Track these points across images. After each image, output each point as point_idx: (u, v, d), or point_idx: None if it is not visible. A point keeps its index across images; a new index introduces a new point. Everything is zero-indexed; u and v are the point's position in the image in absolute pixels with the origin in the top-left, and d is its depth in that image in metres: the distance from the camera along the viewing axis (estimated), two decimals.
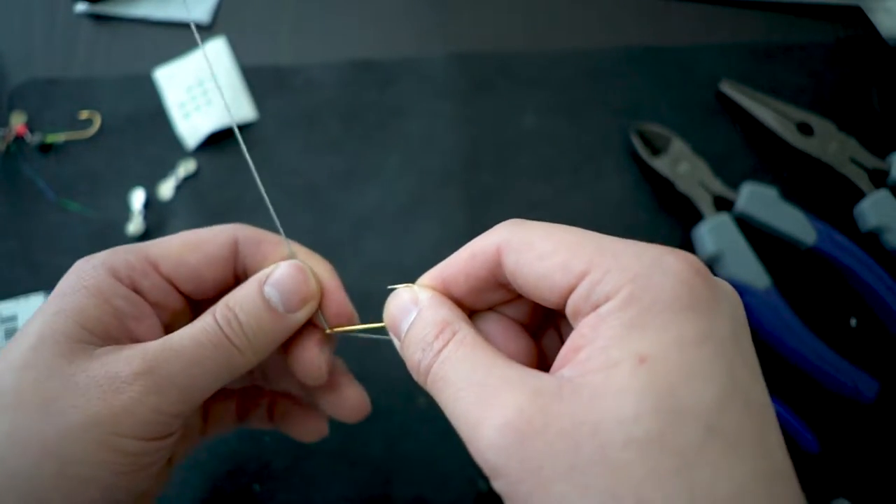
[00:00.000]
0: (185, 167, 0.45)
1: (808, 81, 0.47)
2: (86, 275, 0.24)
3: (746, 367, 0.19)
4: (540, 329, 0.25)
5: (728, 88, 0.46)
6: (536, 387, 0.19)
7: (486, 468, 0.19)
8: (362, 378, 0.41)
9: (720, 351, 0.18)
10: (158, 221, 0.45)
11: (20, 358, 0.22)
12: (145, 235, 0.44)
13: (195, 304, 0.28)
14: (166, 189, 0.45)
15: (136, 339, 0.25)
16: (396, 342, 0.24)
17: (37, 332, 0.23)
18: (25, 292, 0.42)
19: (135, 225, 0.44)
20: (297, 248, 0.28)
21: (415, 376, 0.23)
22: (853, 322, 0.42)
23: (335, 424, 0.40)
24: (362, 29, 0.50)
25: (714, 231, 0.41)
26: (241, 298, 0.25)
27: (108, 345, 0.23)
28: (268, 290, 0.26)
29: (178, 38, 0.50)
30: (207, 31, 0.50)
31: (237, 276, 0.28)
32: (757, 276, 0.40)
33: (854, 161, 0.44)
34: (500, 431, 0.18)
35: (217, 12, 0.50)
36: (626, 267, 0.19)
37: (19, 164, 0.45)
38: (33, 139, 0.46)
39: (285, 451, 0.40)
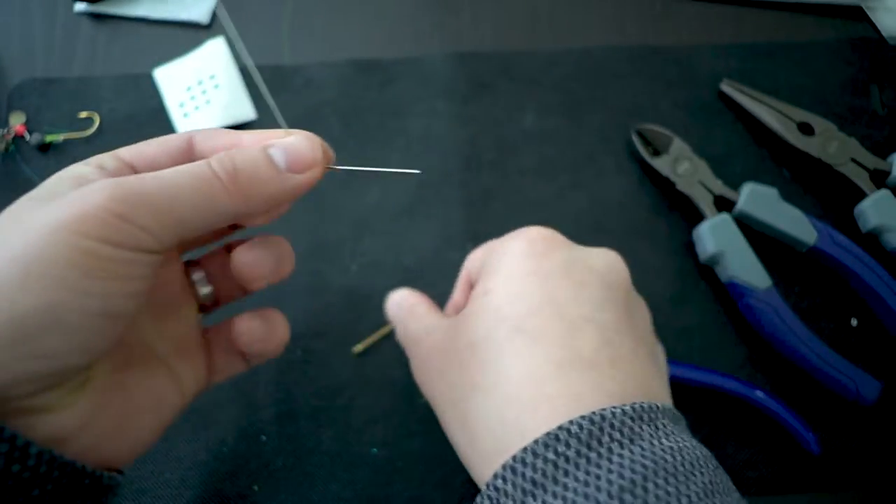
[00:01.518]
0: None
1: (808, 81, 0.47)
2: (59, 173, 0.25)
3: (570, 291, 0.27)
4: None
5: (728, 88, 0.46)
6: (444, 325, 0.30)
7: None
8: (362, 379, 0.41)
9: (542, 281, 0.27)
10: None
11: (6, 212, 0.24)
12: None
13: None
14: None
15: None
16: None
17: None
18: None
19: None
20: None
21: None
22: (854, 322, 0.42)
23: (335, 424, 0.40)
24: (362, 29, 0.50)
25: (714, 231, 0.41)
26: (240, 150, 0.25)
27: None
28: (272, 151, 0.26)
29: (177, 37, 0.50)
30: (207, 30, 0.50)
31: None
32: (758, 276, 0.40)
33: (855, 161, 0.43)
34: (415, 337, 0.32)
35: (217, 12, 0.50)
36: (493, 244, 0.31)
37: (18, 163, 0.45)
38: (32, 139, 0.45)
39: (285, 451, 0.40)
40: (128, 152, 0.27)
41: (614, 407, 0.23)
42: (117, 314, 0.22)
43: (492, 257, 0.30)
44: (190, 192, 0.23)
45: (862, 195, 0.43)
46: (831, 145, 0.44)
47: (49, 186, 0.24)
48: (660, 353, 0.31)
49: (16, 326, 0.20)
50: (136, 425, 0.26)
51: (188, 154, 0.27)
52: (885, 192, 0.42)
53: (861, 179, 0.43)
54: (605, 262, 0.29)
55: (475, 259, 0.32)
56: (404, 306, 0.34)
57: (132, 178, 0.23)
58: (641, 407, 0.23)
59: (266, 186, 0.25)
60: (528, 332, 0.26)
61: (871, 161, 0.43)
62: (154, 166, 0.26)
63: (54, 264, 0.21)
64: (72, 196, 0.22)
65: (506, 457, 0.23)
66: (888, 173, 0.43)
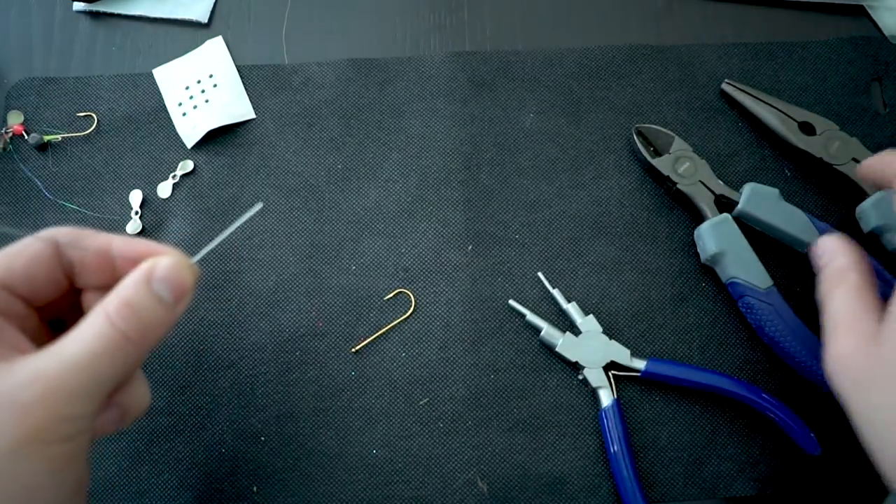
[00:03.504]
0: (184, 166, 0.45)
1: (810, 80, 0.47)
2: None
3: None
4: None
5: (729, 88, 0.46)
6: (867, 331, 0.28)
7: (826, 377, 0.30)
8: (364, 379, 0.41)
9: None
10: (157, 220, 0.44)
11: None
12: (143, 234, 0.44)
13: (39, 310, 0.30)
14: (164, 188, 0.45)
15: (11, 346, 0.26)
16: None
17: None
18: None
19: (133, 224, 0.44)
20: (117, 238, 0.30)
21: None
22: None
23: (335, 424, 0.40)
24: (361, 28, 0.50)
25: (715, 231, 0.41)
26: (135, 297, 0.27)
27: None
28: (157, 286, 0.27)
29: (176, 36, 0.49)
30: (206, 29, 0.50)
31: (67, 276, 0.30)
32: (758, 276, 0.40)
33: (856, 161, 0.43)
34: (834, 359, 0.30)
35: (216, 10, 0.50)
36: None
37: (17, 163, 0.45)
38: (31, 138, 0.45)
39: (284, 452, 0.39)
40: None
41: None
42: (82, 473, 0.26)
43: None
44: (110, 364, 0.25)
45: (863, 195, 0.43)
46: (833, 145, 0.44)
47: None
48: None
49: None
50: None
51: (57, 260, 0.29)
52: (886, 193, 0.42)
53: None
54: None
55: None
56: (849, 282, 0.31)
57: (63, 382, 0.24)
58: None
59: (163, 328, 0.27)
60: None
61: None
62: (31, 281, 0.28)
63: (26, 475, 0.23)
64: (17, 415, 0.23)
65: None
66: None
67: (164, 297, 0.27)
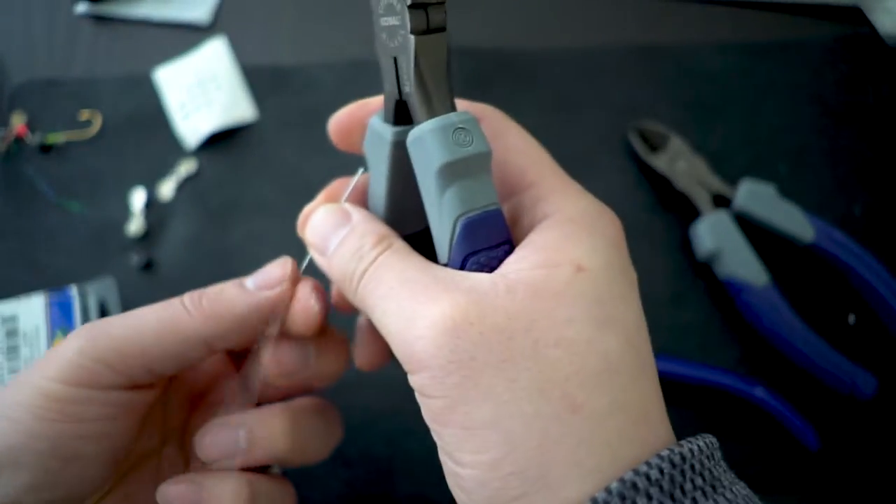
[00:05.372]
0: (186, 167, 0.46)
1: (806, 79, 0.48)
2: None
3: (640, 316, 0.22)
4: None
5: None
6: (471, 285, 0.19)
7: (412, 361, 0.19)
8: (363, 378, 0.41)
9: (634, 288, 0.22)
10: (159, 221, 0.45)
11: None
12: (146, 236, 0.44)
13: None
14: (167, 189, 0.45)
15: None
16: (320, 259, 0.25)
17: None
18: (25, 292, 0.42)
19: (135, 225, 0.44)
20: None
21: (345, 287, 0.23)
22: (851, 319, 0.42)
23: None
24: (362, 28, 0.50)
25: (712, 228, 0.41)
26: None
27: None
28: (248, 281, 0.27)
29: (178, 38, 0.50)
30: (208, 30, 0.50)
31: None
32: (755, 272, 0.40)
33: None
34: (434, 323, 0.18)
35: (217, 12, 0.51)
36: (575, 197, 0.23)
37: (20, 164, 0.46)
38: (34, 139, 0.46)
39: None
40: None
41: (689, 443, 0.19)
42: (70, 457, 0.22)
43: (567, 214, 0.22)
44: (154, 321, 0.24)
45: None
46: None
47: None
48: None
49: None
50: None
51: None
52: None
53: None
54: None
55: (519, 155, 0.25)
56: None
57: (104, 320, 0.24)
58: (712, 443, 0.20)
59: (232, 304, 0.26)
60: (637, 350, 0.20)
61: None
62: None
63: (9, 406, 0.22)
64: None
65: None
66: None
67: (244, 281, 0.28)
